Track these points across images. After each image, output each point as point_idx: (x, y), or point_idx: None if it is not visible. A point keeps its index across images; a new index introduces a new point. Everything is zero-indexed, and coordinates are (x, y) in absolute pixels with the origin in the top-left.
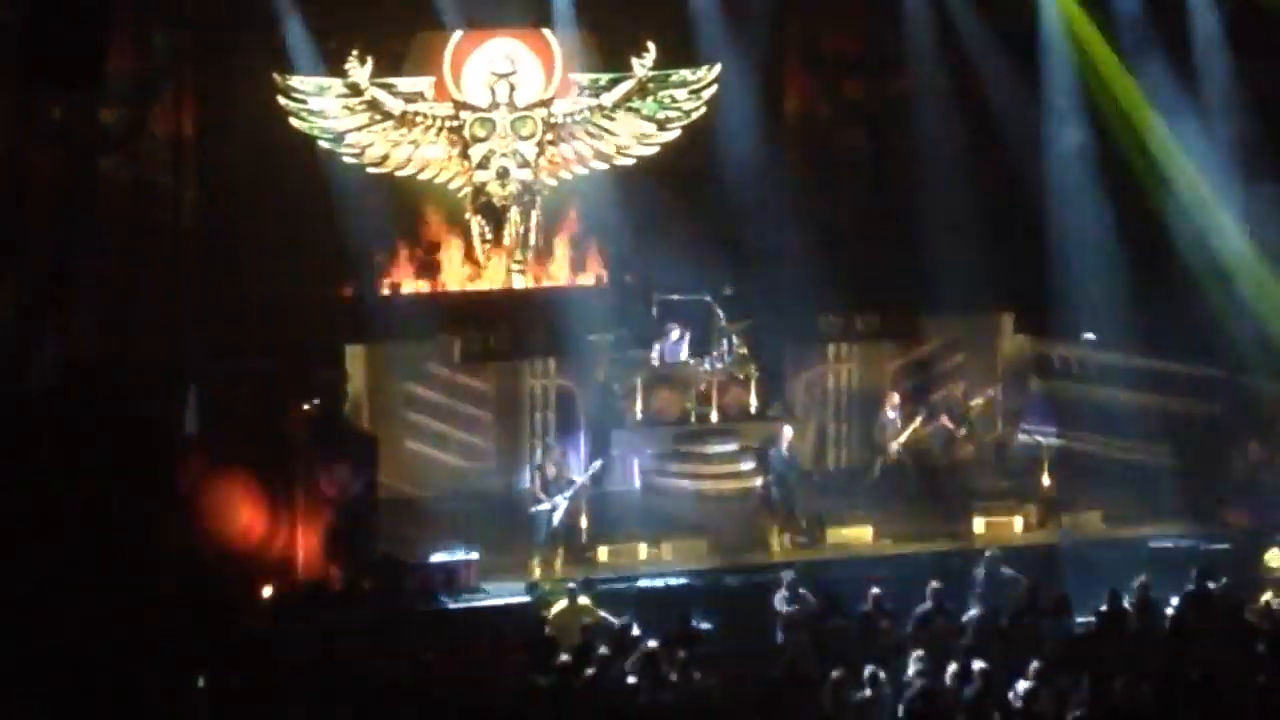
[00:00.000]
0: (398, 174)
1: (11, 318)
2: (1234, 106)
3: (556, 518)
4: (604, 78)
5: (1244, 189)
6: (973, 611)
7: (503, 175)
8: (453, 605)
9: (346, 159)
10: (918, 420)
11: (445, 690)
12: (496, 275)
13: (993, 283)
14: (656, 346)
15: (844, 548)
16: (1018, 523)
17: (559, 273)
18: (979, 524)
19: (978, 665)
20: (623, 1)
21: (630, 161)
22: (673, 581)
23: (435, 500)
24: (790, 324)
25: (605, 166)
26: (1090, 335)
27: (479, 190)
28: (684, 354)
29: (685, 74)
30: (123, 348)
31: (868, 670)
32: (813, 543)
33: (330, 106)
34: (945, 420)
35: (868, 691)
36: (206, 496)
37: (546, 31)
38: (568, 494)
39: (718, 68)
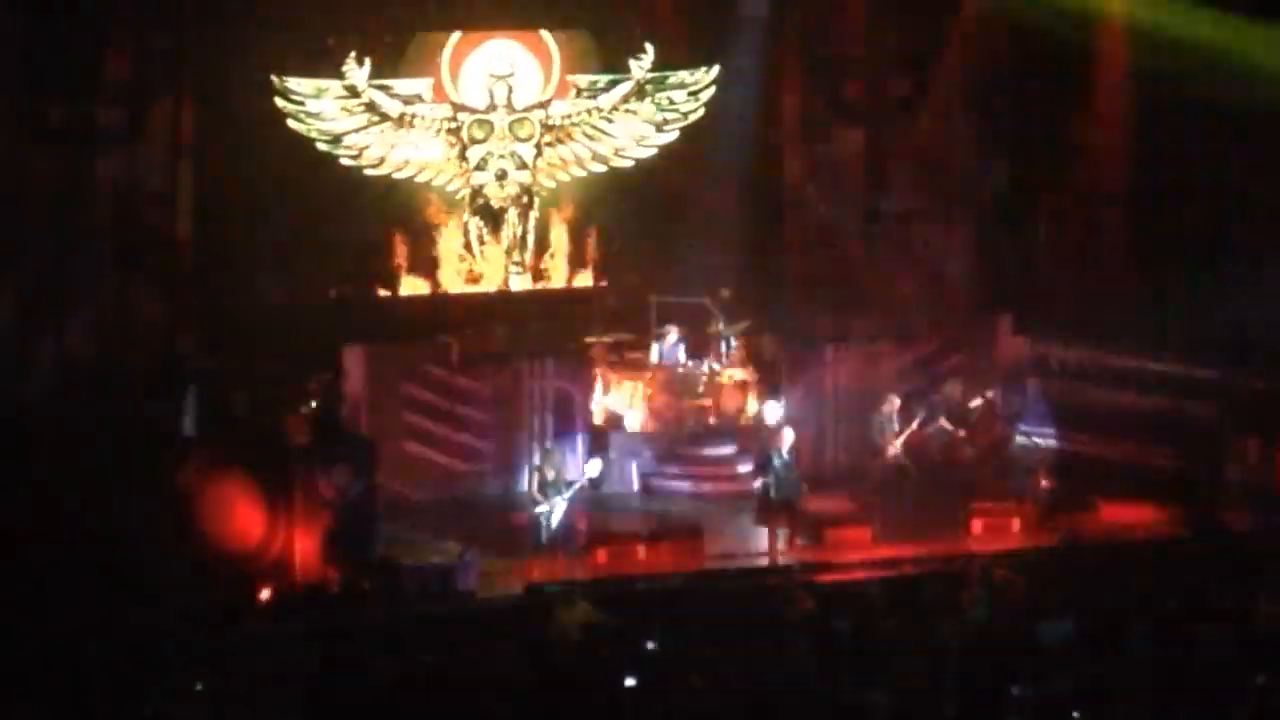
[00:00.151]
0: (395, 176)
1: (10, 320)
2: None
3: (555, 520)
4: (602, 79)
5: None
6: (971, 614)
7: (501, 177)
8: (451, 607)
9: (344, 161)
10: (916, 422)
11: (443, 692)
12: (494, 277)
13: (992, 284)
14: (655, 348)
15: (842, 550)
16: (1016, 524)
17: (557, 275)
18: (977, 525)
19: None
20: (622, 2)
21: (628, 163)
22: (671, 584)
23: (433, 502)
24: (788, 326)
25: (603, 168)
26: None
27: (477, 192)
28: (682, 356)
29: (683, 76)
30: (121, 350)
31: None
32: (812, 544)
33: (328, 108)
34: (944, 422)
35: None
36: (205, 499)
37: (544, 33)
38: (566, 496)
39: (716, 69)
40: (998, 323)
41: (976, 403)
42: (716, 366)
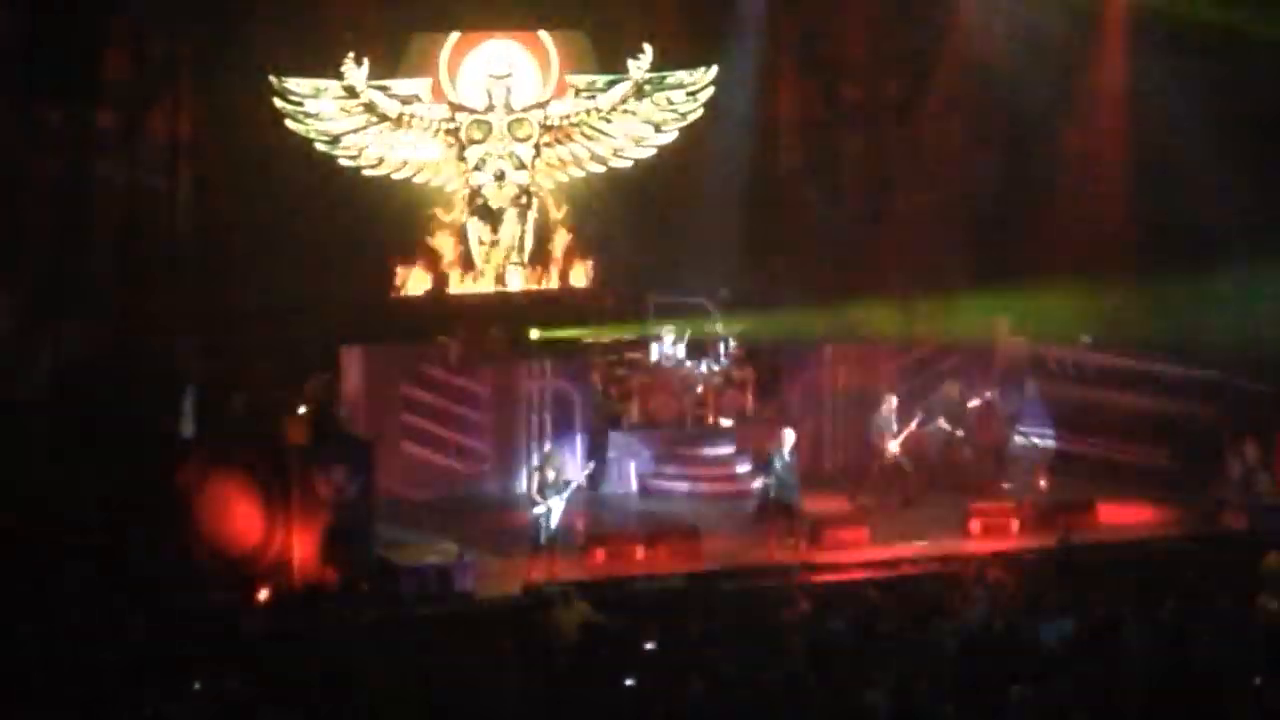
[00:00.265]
0: (394, 176)
1: (9, 321)
2: None
3: (553, 520)
4: (600, 80)
5: None
6: (969, 614)
7: (499, 177)
8: (449, 608)
9: (343, 161)
10: (914, 422)
11: (441, 693)
12: (493, 277)
13: (990, 284)
14: (653, 348)
15: (840, 550)
16: (1014, 524)
17: (555, 275)
18: (976, 526)
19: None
20: (620, 3)
21: (627, 163)
22: (669, 584)
23: (432, 502)
24: (786, 326)
25: (602, 169)
26: (1086, 338)
27: (475, 192)
28: (681, 355)
29: (682, 76)
30: (119, 351)
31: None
32: (810, 545)
33: (326, 109)
34: (942, 422)
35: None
36: (203, 499)
37: (543, 34)
38: (564, 496)
39: (714, 70)
40: (996, 323)
41: (975, 403)
42: (715, 366)
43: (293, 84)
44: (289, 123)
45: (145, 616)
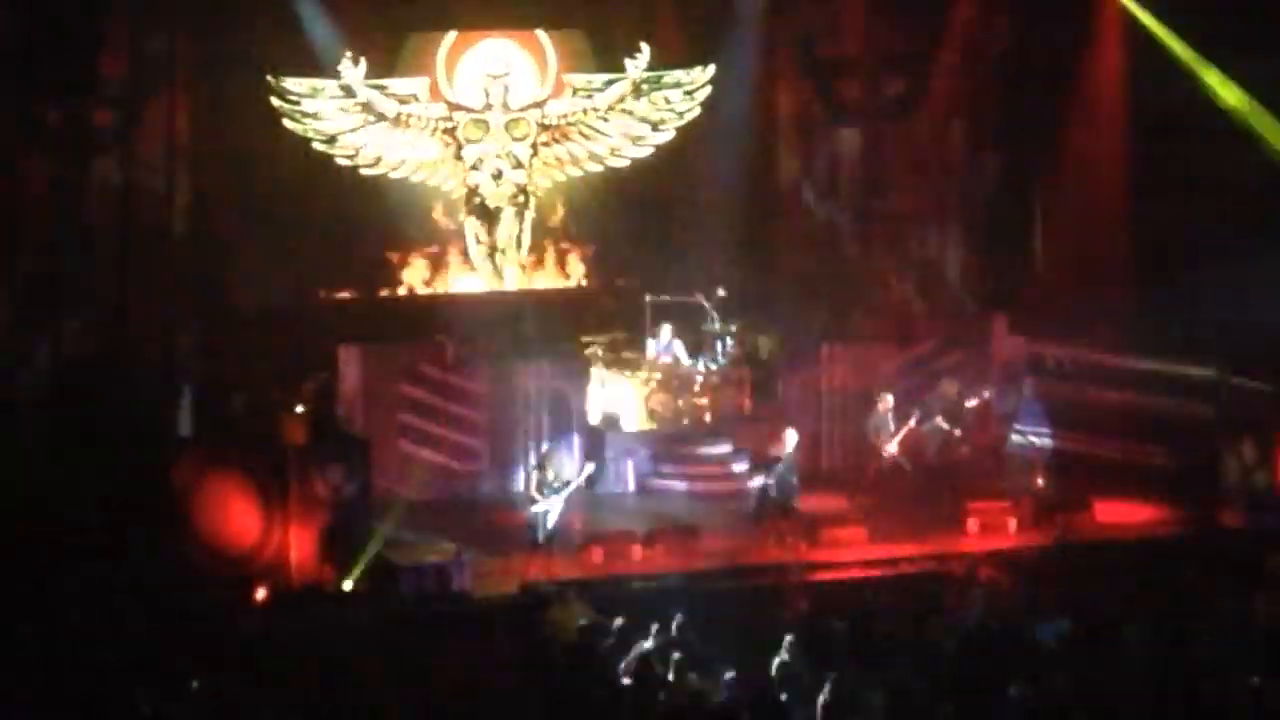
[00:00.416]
0: (391, 175)
1: (6, 320)
2: None
3: (551, 519)
4: (598, 79)
5: None
6: (967, 613)
7: (496, 177)
8: (446, 607)
9: (340, 161)
10: (912, 421)
11: (439, 692)
12: (490, 276)
13: (988, 284)
14: (650, 347)
15: (837, 549)
16: (1012, 523)
17: (553, 274)
18: (973, 525)
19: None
20: (617, 3)
21: (624, 163)
22: (666, 583)
23: (429, 502)
24: (784, 325)
25: (599, 168)
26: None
27: (473, 192)
28: (680, 355)
29: (679, 75)
30: (116, 350)
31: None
32: (808, 544)
33: (323, 108)
34: (939, 421)
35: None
36: (201, 498)
37: (540, 33)
38: (562, 495)
39: (711, 69)
40: (994, 322)
41: (972, 402)
42: (713, 366)
43: (290, 83)
44: (286, 122)
45: (143, 616)
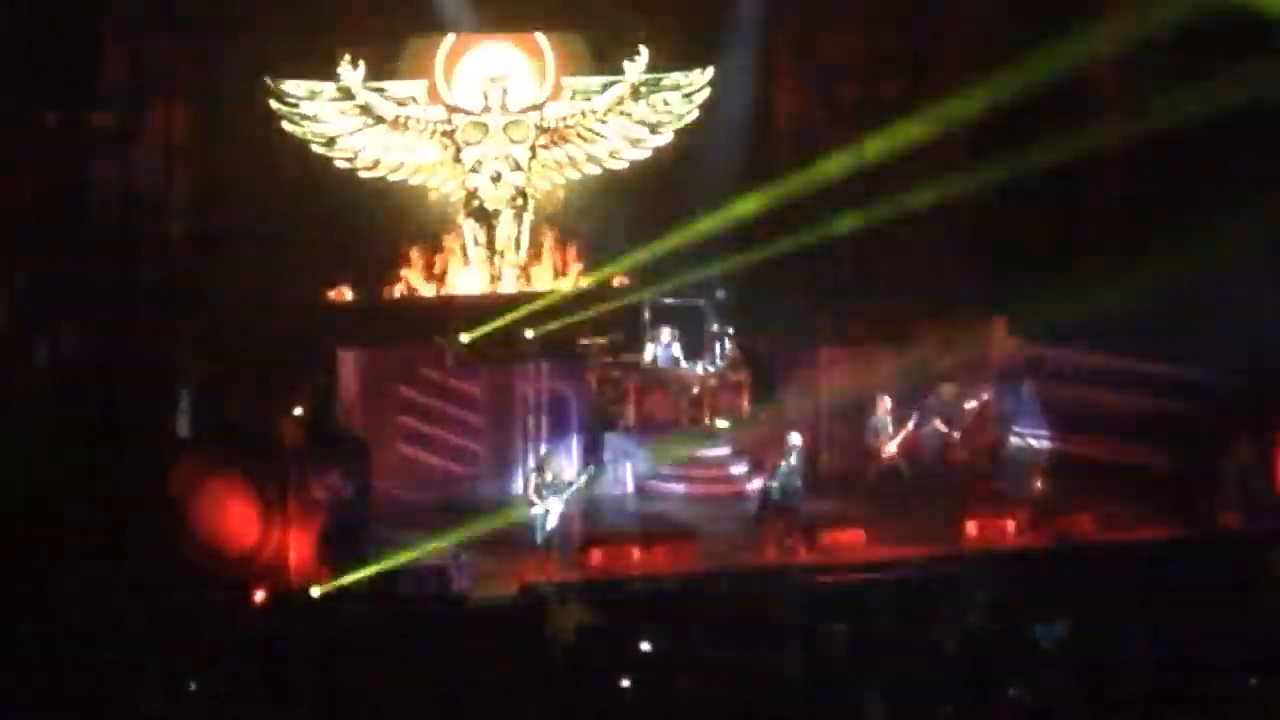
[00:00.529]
0: (390, 178)
1: (5, 322)
2: None
3: (550, 521)
4: (596, 82)
5: None
6: (966, 615)
7: (495, 179)
8: (445, 609)
9: (339, 163)
10: (910, 423)
11: (439, 694)
12: (489, 278)
13: (987, 285)
14: (649, 350)
15: (836, 552)
16: (1010, 526)
17: (551, 276)
18: (972, 527)
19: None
20: (616, 5)
21: (623, 165)
22: (665, 585)
23: (428, 503)
24: (783, 327)
25: (598, 170)
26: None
27: (471, 194)
28: (677, 358)
29: (677, 78)
30: (115, 352)
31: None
32: (807, 546)
33: (322, 111)
34: (938, 423)
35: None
36: (199, 501)
37: (539, 35)
38: (561, 497)
39: (710, 71)
40: (993, 324)
41: (971, 404)
42: (711, 368)
43: (288, 86)
44: (285, 124)
45: (143, 617)
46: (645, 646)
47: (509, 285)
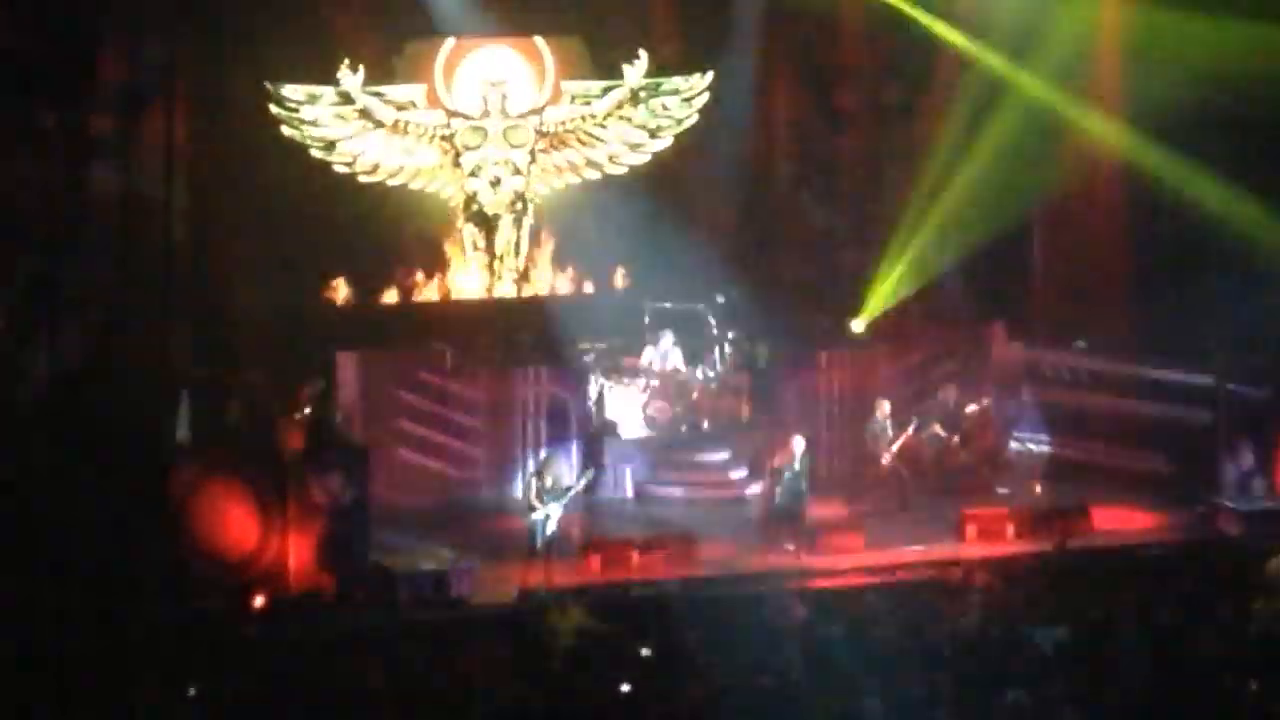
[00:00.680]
0: (389, 182)
1: (3, 327)
2: None
3: (549, 526)
4: (596, 86)
5: None
6: (965, 619)
7: (495, 183)
8: (445, 614)
9: (338, 167)
10: (910, 428)
11: (437, 699)
12: (488, 283)
13: (986, 290)
14: (649, 354)
15: (836, 555)
16: (1010, 530)
17: (551, 281)
18: (971, 531)
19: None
20: (615, 10)
21: (622, 169)
22: (665, 590)
23: (427, 508)
24: (783, 331)
25: (597, 174)
26: (1080, 343)
27: (471, 199)
28: (677, 362)
29: (677, 82)
30: (113, 357)
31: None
32: (806, 550)
33: (322, 115)
34: (938, 428)
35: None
36: (198, 506)
37: (538, 39)
38: (561, 502)
39: (709, 76)
40: (992, 329)
41: (971, 409)
42: (711, 372)
43: (288, 90)
44: (284, 128)
45: (142, 622)
46: (645, 651)
47: (508, 289)
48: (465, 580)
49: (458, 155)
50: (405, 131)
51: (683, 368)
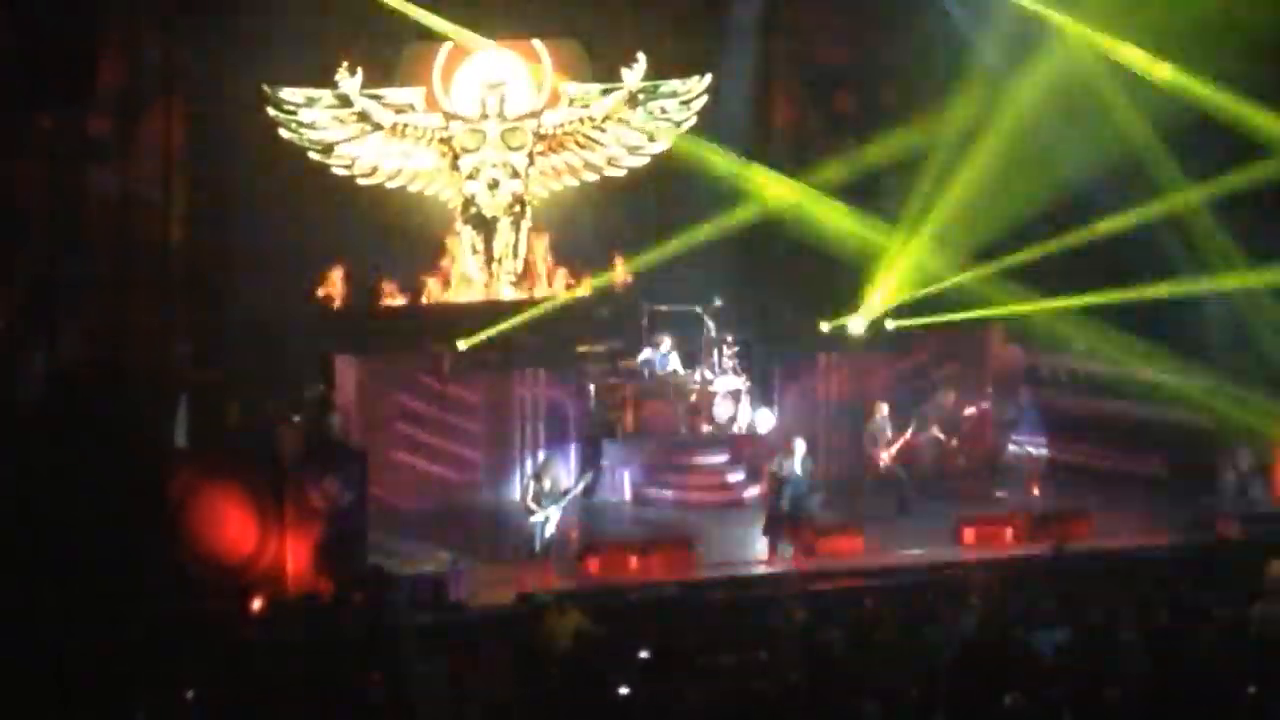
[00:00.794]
0: (388, 185)
1: (1, 329)
2: None
3: (547, 529)
4: (594, 89)
5: None
6: (963, 623)
7: (493, 186)
8: (443, 617)
9: (336, 170)
10: (909, 431)
11: (436, 702)
12: (486, 286)
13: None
14: (647, 356)
15: (834, 558)
16: (1008, 533)
17: (549, 283)
18: (969, 534)
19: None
20: (614, 12)
21: (620, 172)
22: (663, 593)
23: (426, 512)
24: (782, 334)
25: (595, 177)
26: (1081, 345)
27: (469, 201)
28: (675, 365)
29: (675, 85)
30: (111, 359)
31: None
32: (805, 553)
33: (320, 118)
34: (936, 431)
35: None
36: (196, 509)
37: (536, 42)
38: (559, 505)
39: (708, 79)
40: (990, 332)
41: (969, 412)
42: (709, 375)
43: (286, 93)
44: (282, 131)
45: (139, 625)
46: (644, 654)
47: (506, 292)
48: (463, 583)
49: (456, 158)
50: (404, 134)
51: (681, 370)
